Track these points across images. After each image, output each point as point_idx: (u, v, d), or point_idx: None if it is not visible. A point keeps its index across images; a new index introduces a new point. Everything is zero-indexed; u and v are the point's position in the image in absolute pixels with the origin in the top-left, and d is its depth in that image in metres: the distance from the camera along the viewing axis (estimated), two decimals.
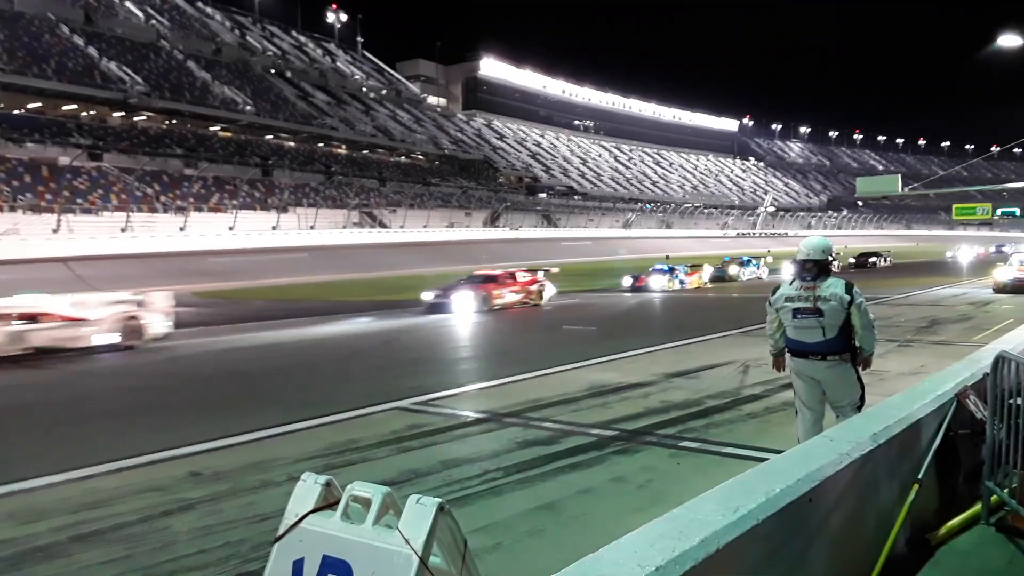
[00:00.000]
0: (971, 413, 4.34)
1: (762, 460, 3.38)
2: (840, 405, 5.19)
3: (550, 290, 24.68)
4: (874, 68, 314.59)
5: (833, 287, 5.14)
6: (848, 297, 5.08)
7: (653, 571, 2.05)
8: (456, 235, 69.19)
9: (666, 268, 32.55)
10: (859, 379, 5.24)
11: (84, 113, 58.05)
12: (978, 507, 4.08)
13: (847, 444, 3.29)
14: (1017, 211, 42.15)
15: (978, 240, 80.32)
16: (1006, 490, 3.98)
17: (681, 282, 31.75)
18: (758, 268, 39.47)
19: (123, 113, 60.76)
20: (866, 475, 3.32)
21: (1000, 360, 4.07)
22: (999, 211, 41.08)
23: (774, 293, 5.44)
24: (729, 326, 15.99)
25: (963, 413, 4.36)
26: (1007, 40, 16.88)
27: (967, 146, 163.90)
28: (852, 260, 48.58)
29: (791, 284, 5.32)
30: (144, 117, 62.21)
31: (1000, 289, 23.07)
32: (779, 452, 3.44)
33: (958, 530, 3.94)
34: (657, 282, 30.62)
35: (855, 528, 3.25)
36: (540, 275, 24.81)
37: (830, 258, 5.40)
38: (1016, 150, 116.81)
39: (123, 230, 46.03)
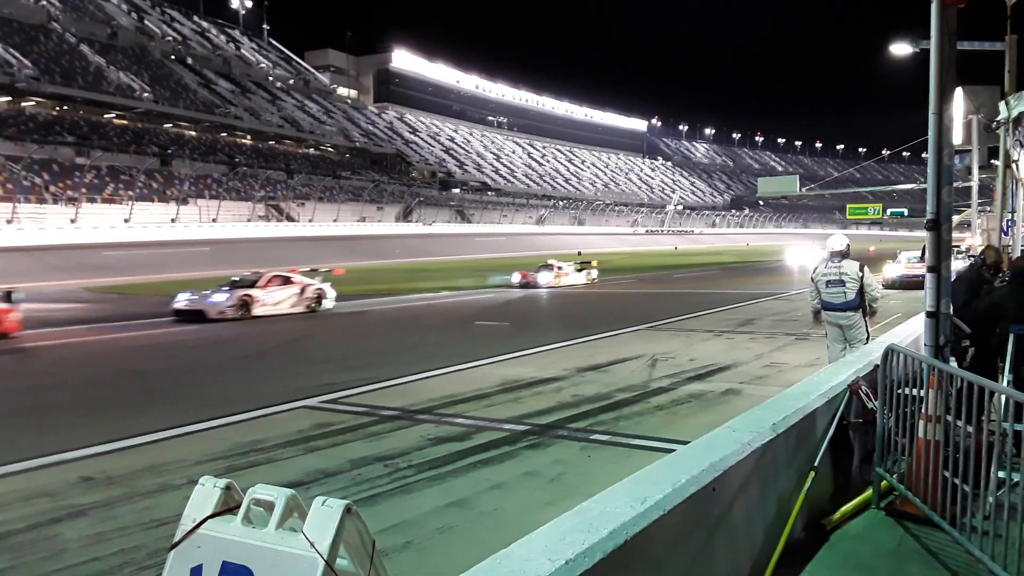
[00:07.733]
0: (863, 403, 4.57)
1: (669, 451, 3.46)
2: (854, 342, 7.70)
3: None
4: (775, 73, 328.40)
5: (851, 267, 7.78)
6: (860, 273, 7.74)
7: (563, 565, 2.05)
8: (368, 229, 68.15)
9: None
10: (867, 325, 7.85)
11: None
12: (869, 492, 4.30)
13: (748, 434, 3.39)
14: (905, 211, 44.59)
15: (869, 239, 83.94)
16: (895, 476, 4.21)
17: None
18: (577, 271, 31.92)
19: (9, 98, 57.16)
20: (766, 464, 3.43)
21: (889, 352, 4.30)
22: (889, 211, 43.29)
23: (814, 271, 8.07)
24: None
25: (855, 403, 4.58)
26: (898, 48, 17.81)
27: (860, 149, 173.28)
28: None
29: (824, 266, 7.93)
30: (32, 102, 58.74)
31: (889, 285, 24.40)
32: (685, 443, 3.52)
33: (851, 515, 4.13)
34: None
35: (756, 515, 3.36)
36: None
37: (848, 247, 7.97)
38: (904, 153, 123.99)
39: (9, 222, 43.31)
